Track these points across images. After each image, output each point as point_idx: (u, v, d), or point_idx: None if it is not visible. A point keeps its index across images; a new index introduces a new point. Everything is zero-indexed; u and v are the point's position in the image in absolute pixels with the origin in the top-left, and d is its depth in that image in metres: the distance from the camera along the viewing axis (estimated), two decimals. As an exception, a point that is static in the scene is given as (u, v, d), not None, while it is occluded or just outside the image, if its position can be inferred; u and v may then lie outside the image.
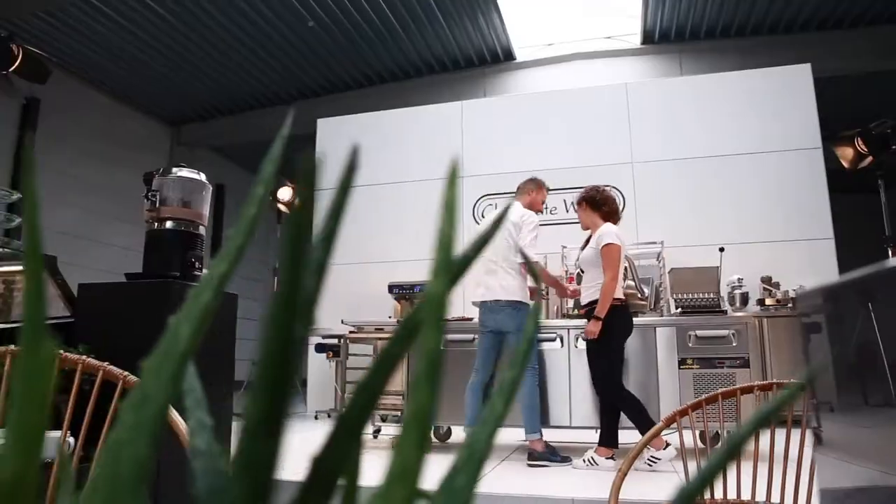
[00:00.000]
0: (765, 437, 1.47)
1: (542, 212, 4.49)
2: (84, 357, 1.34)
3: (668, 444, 3.68)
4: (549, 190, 4.52)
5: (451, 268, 0.18)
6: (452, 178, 0.20)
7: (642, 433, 3.66)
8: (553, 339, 4.47)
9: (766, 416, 0.20)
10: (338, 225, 0.19)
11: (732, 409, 3.44)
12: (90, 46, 8.20)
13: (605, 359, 3.90)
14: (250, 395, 0.15)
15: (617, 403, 3.91)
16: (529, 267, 4.44)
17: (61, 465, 0.31)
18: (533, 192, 4.37)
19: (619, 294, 3.95)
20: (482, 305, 4.18)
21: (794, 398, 0.20)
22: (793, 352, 5.10)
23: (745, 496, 1.41)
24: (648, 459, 3.69)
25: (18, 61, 5.36)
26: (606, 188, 4.27)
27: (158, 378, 0.24)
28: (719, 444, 3.20)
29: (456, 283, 0.24)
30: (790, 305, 5.29)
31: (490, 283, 4.12)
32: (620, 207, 4.33)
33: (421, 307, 0.18)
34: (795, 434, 1.42)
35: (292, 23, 7.99)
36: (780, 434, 1.39)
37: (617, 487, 1.35)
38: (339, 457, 0.20)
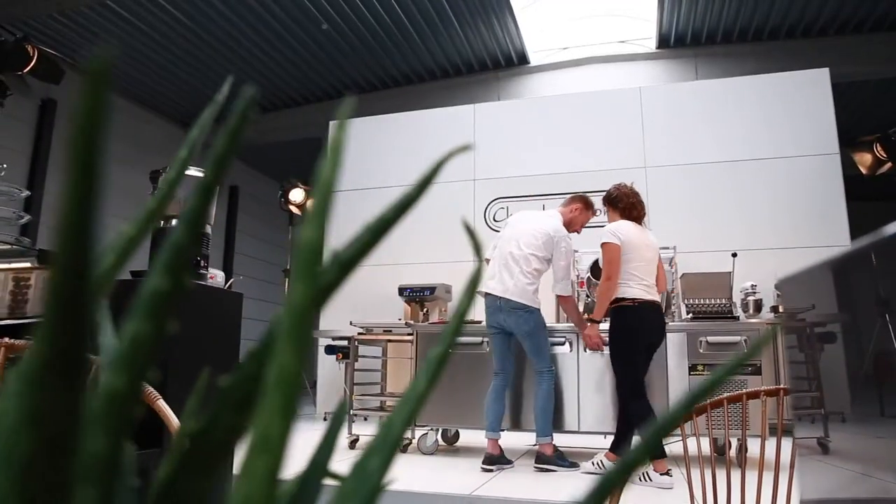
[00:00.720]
0: (754, 447, 1.43)
1: (578, 232, 4.28)
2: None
3: (669, 472, 3.48)
4: (595, 214, 4.35)
5: (328, 213, 0.16)
6: (344, 120, 0.18)
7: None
8: (562, 344, 4.43)
9: (690, 402, 0.17)
10: (221, 173, 0.17)
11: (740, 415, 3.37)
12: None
13: (617, 361, 3.72)
14: (35, 335, 0.13)
15: (626, 410, 3.76)
16: (563, 299, 4.25)
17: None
18: (579, 210, 4.19)
19: (635, 293, 3.67)
20: (489, 299, 4.08)
21: (718, 384, 0.18)
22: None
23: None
24: (643, 474, 3.51)
25: (33, 62, 5.43)
26: (627, 184, 4.03)
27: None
28: (731, 451, 3.13)
29: (372, 246, 0.22)
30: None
31: (505, 278, 4.03)
32: (643, 202, 4.03)
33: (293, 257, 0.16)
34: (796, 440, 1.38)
35: (306, 25, 8.03)
36: (766, 442, 1.35)
37: (618, 494, 1.32)
38: (223, 432, 0.18)
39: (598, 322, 3.80)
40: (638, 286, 3.68)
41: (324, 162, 0.17)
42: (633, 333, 3.68)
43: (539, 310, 4.05)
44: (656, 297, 3.75)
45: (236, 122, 0.18)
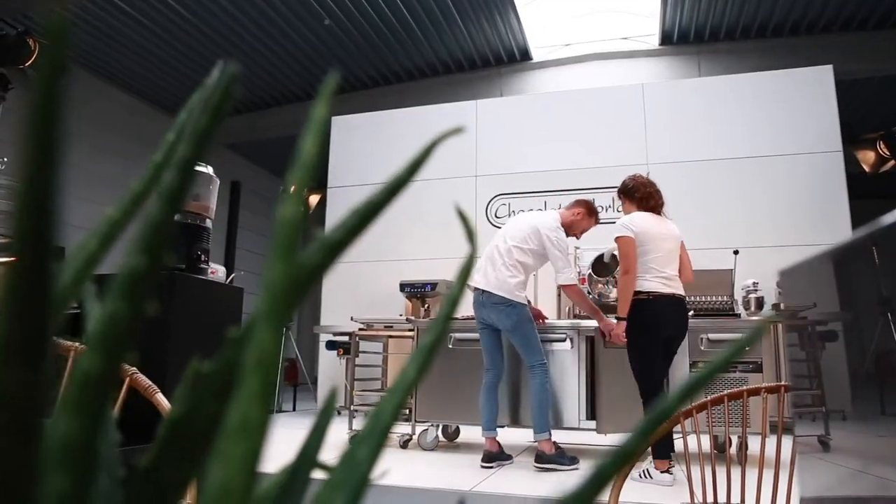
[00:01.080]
0: (754, 444, 1.42)
1: (578, 238, 4.21)
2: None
3: (671, 469, 3.42)
4: (598, 222, 4.25)
5: (307, 189, 0.16)
6: (328, 95, 0.17)
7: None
8: (563, 340, 4.41)
9: (687, 392, 0.17)
10: (200, 150, 0.16)
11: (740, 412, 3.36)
12: (106, 42, 8.29)
13: (633, 357, 3.58)
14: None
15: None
16: (569, 294, 4.12)
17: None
18: (581, 215, 4.08)
19: (651, 287, 3.54)
20: (475, 294, 4.05)
21: (716, 372, 0.17)
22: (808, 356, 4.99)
23: (721, 501, 1.38)
24: (643, 471, 3.45)
25: (35, 56, 5.44)
26: (643, 174, 3.92)
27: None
28: (731, 448, 3.12)
29: (361, 230, 0.21)
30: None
31: (488, 272, 3.98)
32: (660, 192, 3.82)
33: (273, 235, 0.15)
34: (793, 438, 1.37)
35: (308, 21, 8.01)
36: (766, 440, 1.35)
37: (617, 489, 1.31)
38: (204, 419, 0.17)
39: (625, 318, 3.58)
40: (655, 279, 3.55)
41: (305, 138, 0.16)
42: (648, 328, 3.54)
43: (523, 304, 3.98)
44: (677, 290, 3.60)
45: (218, 98, 0.17)
